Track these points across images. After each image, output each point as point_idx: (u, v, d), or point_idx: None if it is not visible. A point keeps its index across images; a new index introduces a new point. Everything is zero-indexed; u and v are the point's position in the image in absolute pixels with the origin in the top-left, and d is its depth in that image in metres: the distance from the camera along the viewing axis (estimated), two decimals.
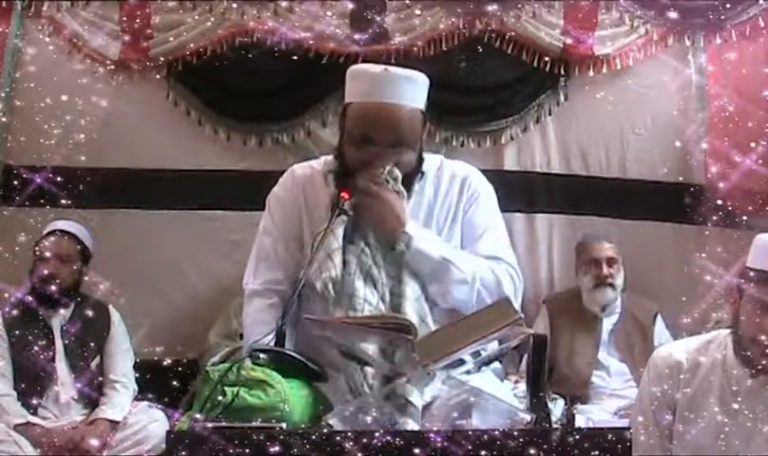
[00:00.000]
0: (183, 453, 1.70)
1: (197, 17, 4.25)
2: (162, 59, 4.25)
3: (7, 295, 3.77)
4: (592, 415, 3.81)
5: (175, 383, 3.34)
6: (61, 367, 3.67)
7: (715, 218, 4.15)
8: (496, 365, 2.36)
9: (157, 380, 3.71)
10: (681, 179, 4.34)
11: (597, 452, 1.70)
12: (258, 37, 4.20)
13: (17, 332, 3.64)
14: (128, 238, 4.23)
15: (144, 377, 3.82)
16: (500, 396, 2.06)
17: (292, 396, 1.92)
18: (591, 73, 4.32)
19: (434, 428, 1.83)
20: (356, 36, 4.20)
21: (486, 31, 4.26)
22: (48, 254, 3.72)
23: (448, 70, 4.18)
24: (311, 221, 2.36)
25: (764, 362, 2.21)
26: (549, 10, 4.27)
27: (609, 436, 1.73)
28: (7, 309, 3.70)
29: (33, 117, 4.12)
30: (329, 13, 4.19)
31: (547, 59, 4.28)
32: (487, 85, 4.37)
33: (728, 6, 4.19)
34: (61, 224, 3.84)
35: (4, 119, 4.16)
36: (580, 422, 3.72)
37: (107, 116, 4.20)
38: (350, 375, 2.10)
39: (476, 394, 1.98)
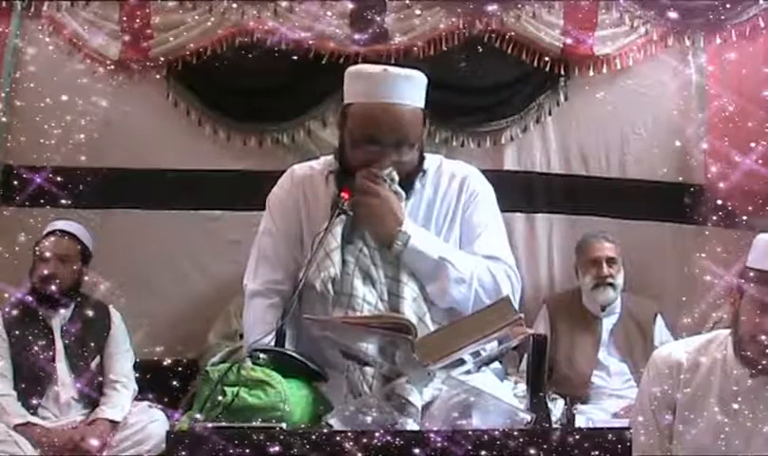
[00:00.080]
0: (183, 453, 1.70)
1: (197, 17, 4.26)
2: (162, 59, 4.25)
3: (7, 295, 3.78)
4: (592, 415, 3.81)
5: (175, 383, 3.34)
6: (61, 367, 3.67)
7: (715, 218, 4.15)
8: (496, 365, 2.36)
9: (157, 380, 3.71)
10: (681, 179, 4.34)
11: (597, 452, 1.70)
12: (258, 37, 4.20)
13: (17, 332, 3.64)
14: (128, 238, 4.24)
15: (144, 377, 3.82)
16: (500, 396, 2.06)
17: (292, 396, 1.92)
18: (591, 73, 4.32)
19: (434, 428, 1.83)
20: (356, 36, 4.20)
21: (486, 31, 4.26)
22: (47, 254, 3.72)
23: (448, 70, 4.18)
24: (311, 221, 2.36)
25: (764, 362, 2.20)
26: (549, 10, 4.27)
27: (609, 436, 1.73)
28: (7, 309, 3.70)
29: (33, 117, 4.12)
30: (329, 13, 4.19)
31: (547, 59, 4.28)
32: (487, 85, 4.37)
33: (728, 6, 4.19)
34: (61, 224, 3.84)
35: (4, 119, 4.16)
36: (580, 422, 3.72)
37: (107, 116, 4.20)
38: (349, 375, 2.11)
39: (476, 394, 1.98)
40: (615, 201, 4.39)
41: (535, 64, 4.29)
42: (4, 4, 4.20)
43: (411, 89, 2.32)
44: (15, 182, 4.14)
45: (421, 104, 2.34)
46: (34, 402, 3.60)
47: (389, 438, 1.71)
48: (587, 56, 4.29)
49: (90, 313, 3.77)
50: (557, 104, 4.39)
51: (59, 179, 4.04)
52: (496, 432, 1.73)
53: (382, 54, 4.16)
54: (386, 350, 2.04)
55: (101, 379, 3.76)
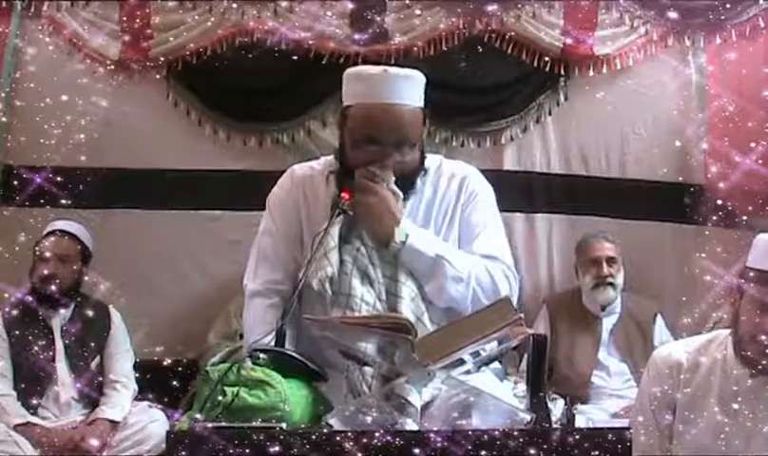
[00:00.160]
0: (183, 453, 1.70)
1: (197, 17, 4.26)
2: (162, 59, 4.25)
3: (7, 295, 3.78)
4: (592, 415, 3.81)
5: (175, 383, 3.33)
6: (61, 367, 3.67)
7: (715, 218, 4.15)
8: (496, 365, 2.36)
9: (157, 380, 3.71)
10: (681, 179, 4.34)
11: (597, 452, 1.70)
12: (258, 37, 4.20)
13: (17, 332, 3.64)
14: (128, 238, 4.24)
15: (144, 377, 3.82)
16: (500, 396, 2.06)
17: (292, 396, 1.92)
18: (591, 73, 4.32)
19: (434, 428, 1.83)
20: (356, 36, 4.20)
21: (486, 31, 4.26)
22: (47, 254, 3.72)
23: (448, 70, 4.18)
24: (311, 222, 2.37)
25: (764, 362, 2.20)
26: (549, 10, 4.27)
27: (609, 436, 1.73)
28: (7, 309, 3.70)
29: (33, 117, 4.12)
30: (329, 13, 4.19)
31: (547, 59, 4.28)
32: (487, 85, 4.37)
33: (728, 6, 4.19)
34: (61, 224, 3.84)
35: (4, 119, 4.16)
36: (580, 422, 3.72)
37: (107, 116, 4.20)
38: (349, 375, 2.11)
39: (476, 394, 1.98)
40: (615, 201, 4.39)
41: (535, 64, 4.29)
42: (4, 4, 4.20)
43: (410, 89, 2.32)
44: (15, 182, 4.14)
45: (420, 103, 2.35)
46: (34, 402, 3.60)
47: (389, 438, 1.71)
48: (587, 56, 4.29)
49: (90, 313, 3.77)
50: (557, 104, 4.39)
51: (59, 179, 4.04)
52: (496, 432, 1.73)
53: (382, 54, 4.16)
54: (385, 350, 2.04)
55: (101, 379, 3.76)
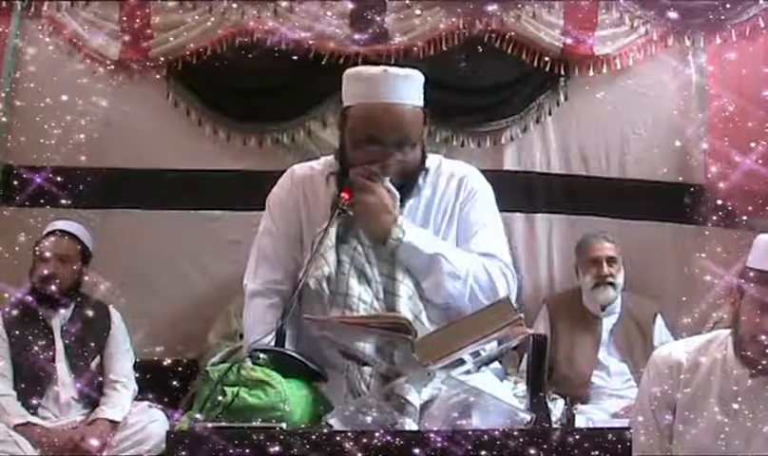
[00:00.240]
0: (183, 453, 1.70)
1: (197, 17, 4.26)
2: (162, 59, 4.25)
3: (7, 295, 3.78)
4: (592, 415, 3.81)
5: (175, 383, 3.34)
6: (61, 367, 3.67)
7: (715, 218, 4.15)
8: (496, 365, 2.36)
9: (157, 380, 3.71)
10: (681, 179, 4.34)
11: (597, 452, 1.70)
12: (258, 37, 4.20)
13: (17, 332, 3.64)
14: (128, 238, 4.24)
15: (144, 377, 3.82)
16: (500, 396, 2.06)
17: (292, 396, 1.92)
18: (591, 73, 4.32)
19: (434, 428, 1.83)
20: (356, 36, 4.20)
21: (486, 31, 4.26)
22: (48, 254, 3.72)
23: (448, 70, 4.18)
24: (310, 222, 2.37)
25: (764, 362, 2.20)
26: (549, 10, 4.27)
27: (609, 436, 1.73)
28: (7, 309, 3.70)
29: (33, 117, 4.12)
30: (329, 13, 4.19)
31: (547, 59, 4.28)
32: (487, 85, 4.37)
33: (728, 6, 4.19)
34: (61, 224, 3.84)
35: (4, 119, 4.16)
36: (580, 422, 3.72)
37: (107, 116, 4.20)
38: (349, 375, 2.11)
39: (476, 394, 1.98)
40: (615, 201, 4.39)
41: (535, 64, 4.29)
42: (4, 4, 4.20)
43: (410, 89, 2.33)
44: (15, 182, 4.14)
45: (420, 103, 2.35)
46: (34, 402, 3.60)
47: (389, 438, 1.71)
48: (587, 56, 4.29)
49: (90, 313, 3.77)
50: (557, 104, 4.39)
51: (59, 179, 4.04)
52: (496, 432, 1.73)
53: (382, 54, 4.16)
54: (384, 349, 2.04)
55: (101, 379, 3.76)
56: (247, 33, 4.22)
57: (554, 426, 2.77)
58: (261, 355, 1.98)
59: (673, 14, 4.23)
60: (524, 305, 4.17)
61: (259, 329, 2.24)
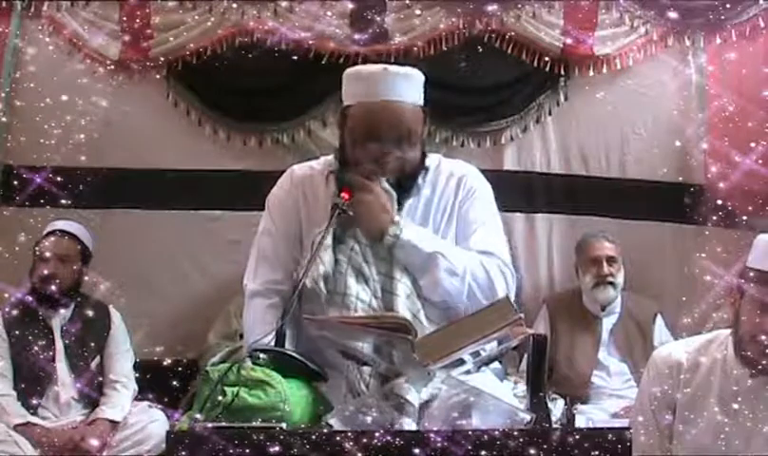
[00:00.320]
0: (183, 453, 1.70)
1: (197, 17, 4.26)
2: (162, 59, 4.25)
3: (7, 295, 3.77)
4: (592, 415, 3.81)
5: (175, 383, 3.33)
6: (61, 367, 3.67)
7: (715, 218, 4.15)
8: (496, 365, 2.36)
9: (157, 380, 3.71)
10: (681, 179, 4.34)
11: (597, 452, 1.70)
12: (258, 37, 4.20)
13: (17, 332, 3.64)
14: (128, 238, 4.24)
15: (144, 377, 3.82)
16: (500, 396, 2.06)
17: (292, 396, 1.92)
18: (591, 73, 4.32)
19: (434, 428, 1.83)
20: (356, 36, 4.20)
21: (486, 31, 4.26)
22: (48, 254, 3.71)
23: (448, 70, 4.18)
24: (310, 221, 2.37)
25: (764, 362, 2.20)
26: (549, 10, 4.27)
27: (609, 436, 1.73)
28: (7, 309, 3.69)
29: (33, 117, 4.12)
30: (329, 13, 4.19)
31: (547, 59, 4.28)
32: (487, 85, 4.37)
33: (728, 6, 4.19)
34: (61, 224, 3.84)
35: (4, 119, 4.16)
36: (580, 422, 3.72)
37: (107, 116, 4.20)
38: (349, 375, 2.11)
39: (476, 394, 1.98)
40: (615, 201, 4.39)
41: (535, 64, 4.29)
42: (4, 4, 4.20)
43: (410, 87, 2.33)
44: (15, 182, 4.14)
45: (420, 101, 2.36)
46: (34, 402, 3.60)
47: (389, 438, 1.71)
48: (587, 56, 4.29)
49: (90, 313, 3.77)
50: (557, 104, 4.39)
51: (59, 179, 4.04)
52: (496, 432, 1.73)
53: (382, 54, 4.16)
54: (383, 349, 2.04)
55: (101, 379, 3.76)
56: (247, 33, 4.22)
57: (554, 426, 2.77)
58: (261, 355, 1.98)
59: (673, 14, 4.23)
60: (524, 305, 4.17)
61: (258, 329, 2.23)
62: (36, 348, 3.63)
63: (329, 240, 2.24)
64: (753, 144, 3.94)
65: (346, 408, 1.98)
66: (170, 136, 4.34)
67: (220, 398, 1.86)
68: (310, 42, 4.20)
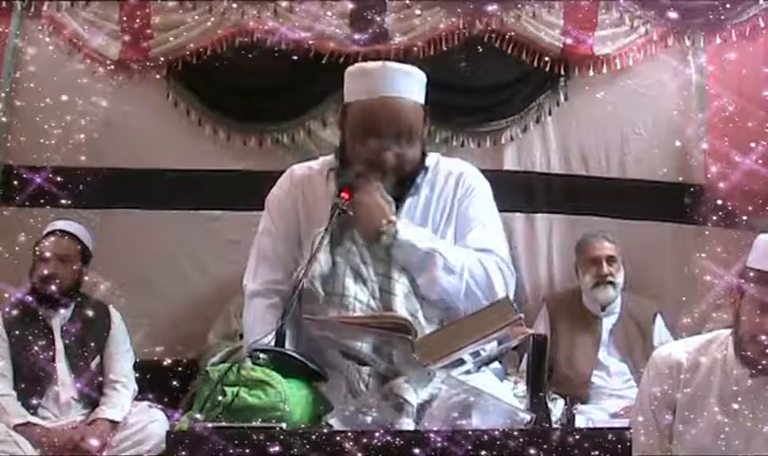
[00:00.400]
0: (183, 453, 1.70)
1: (197, 17, 4.26)
2: (162, 59, 4.25)
3: (7, 295, 3.77)
4: (592, 415, 3.81)
5: (175, 383, 3.33)
6: (61, 367, 3.67)
7: (715, 218, 4.15)
8: (496, 365, 2.36)
9: (157, 380, 3.71)
10: (681, 179, 4.34)
11: (597, 452, 1.70)
12: (258, 37, 4.21)
13: (17, 332, 3.64)
14: (128, 238, 4.24)
15: (144, 377, 3.82)
16: (500, 396, 2.06)
17: (292, 396, 1.92)
18: (591, 73, 4.32)
19: (434, 428, 1.83)
20: (356, 36, 4.20)
21: (486, 31, 4.26)
22: (48, 254, 3.71)
23: (448, 70, 4.18)
24: (309, 221, 2.36)
25: (764, 362, 2.21)
26: (549, 10, 4.27)
27: (609, 436, 1.73)
28: (7, 309, 3.69)
29: (33, 117, 4.13)
30: (329, 13, 4.19)
31: (547, 59, 4.28)
32: (487, 85, 4.37)
33: (728, 6, 4.19)
34: (61, 224, 3.84)
35: (4, 119, 4.16)
36: (580, 422, 3.72)
37: (107, 116, 4.20)
38: (349, 375, 2.11)
39: (476, 394, 1.98)
40: (615, 201, 4.39)
41: (535, 64, 4.29)
42: (4, 4, 4.20)
43: (409, 84, 2.33)
44: (15, 182, 4.14)
45: (421, 99, 2.36)
46: (34, 402, 3.60)
47: (389, 438, 1.71)
48: (587, 56, 4.29)
49: (90, 313, 3.77)
50: (557, 104, 4.39)
51: (59, 179, 4.05)
52: (496, 432, 1.73)
53: (382, 54, 4.15)
54: (383, 349, 2.04)
55: (101, 379, 3.76)
56: (247, 33, 4.22)
57: (554, 426, 2.77)
58: (261, 355, 1.98)
59: (673, 14, 4.23)
60: (525, 303, 4.18)
61: (258, 329, 2.23)
62: (36, 348, 3.63)
63: (326, 240, 2.23)
64: (753, 144, 3.94)
65: (346, 408, 1.98)
66: (170, 136, 4.34)
67: (220, 398, 1.85)
68: (310, 42, 4.20)
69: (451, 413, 1.98)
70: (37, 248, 3.76)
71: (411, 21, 4.24)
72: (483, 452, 1.69)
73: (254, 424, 1.81)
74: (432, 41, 4.24)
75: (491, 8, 4.21)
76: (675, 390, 2.31)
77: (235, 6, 4.21)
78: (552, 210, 4.43)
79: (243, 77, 4.30)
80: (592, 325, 4.09)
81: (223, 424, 1.79)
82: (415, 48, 4.21)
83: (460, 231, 2.37)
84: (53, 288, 3.66)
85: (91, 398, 3.71)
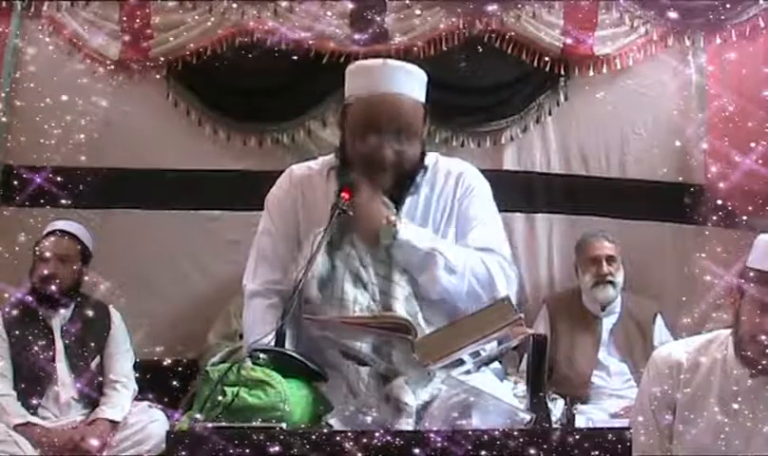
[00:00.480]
0: (183, 453, 1.70)
1: (197, 17, 4.26)
2: (162, 59, 4.25)
3: (7, 295, 3.77)
4: (592, 415, 3.81)
5: (175, 383, 3.33)
6: (61, 367, 3.67)
7: (715, 218, 4.15)
8: (496, 365, 2.36)
9: (157, 380, 3.71)
10: (681, 179, 4.34)
11: (597, 452, 1.70)
12: (258, 37, 4.20)
13: (17, 332, 3.63)
14: (128, 238, 4.24)
15: (144, 377, 3.82)
16: (500, 396, 2.06)
17: (292, 396, 1.92)
18: (591, 73, 4.32)
19: (434, 428, 1.83)
20: (356, 36, 4.20)
21: (486, 31, 4.26)
22: (48, 254, 3.71)
23: (448, 70, 4.18)
24: (308, 221, 2.36)
25: (764, 362, 2.21)
26: (549, 10, 4.27)
27: (609, 436, 1.73)
28: (7, 309, 3.69)
29: (33, 117, 4.13)
30: (329, 13, 4.19)
31: (547, 59, 4.28)
32: (487, 85, 4.37)
33: (728, 6, 4.19)
34: (61, 224, 3.84)
35: (4, 119, 4.16)
36: (580, 422, 3.72)
37: (107, 116, 4.20)
38: (349, 375, 2.11)
39: (476, 394, 1.98)
40: (615, 201, 4.39)
41: (535, 64, 4.29)
42: (4, 4, 4.20)
43: (409, 81, 2.33)
44: (15, 182, 4.14)
45: (421, 98, 2.35)
46: (34, 402, 3.60)
47: (389, 438, 1.71)
48: (587, 56, 4.29)
49: (90, 313, 3.76)
50: (557, 104, 4.39)
51: (59, 179, 4.04)
52: (496, 432, 1.73)
53: (382, 54, 4.13)
54: (382, 349, 2.04)
55: (101, 379, 3.76)
56: (247, 33, 4.22)
57: (554, 426, 2.77)
58: (261, 355, 1.98)
59: (673, 14, 4.23)
60: (525, 303, 4.17)
61: (258, 329, 2.23)
62: (36, 348, 3.62)
63: (326, 241, 2.23)
64: (753, 144, 3.94)
65: (346, 408, 1.98)
66: (170, 136, 4.34)
67: (220, 398, 1.86)
68: (310, 42, 4.20)
69: (451, 413, 1.98)
70: (37, 248, 3.76)
71: (411, 21, 4.24)
72: (483, 452, 1.69)
73: (254, 424, 1.81)
74: (432, 41, 4.24)
75: (491, 8, 4.21)
76: (675, 390, 2.31)
77: (235, 6, 4.21)
78: (552, 210, 4.43)
79: (243, 77, 4.30)
80: (592, 325, 4.09)
81: (223, 424, 1.80)
82: (415, 48, 4.21)
83: (461, 230, 2.37)
84: (53, 288, 3.66)
85: (91, 398, 3.71)
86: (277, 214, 2.43)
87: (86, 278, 3.86)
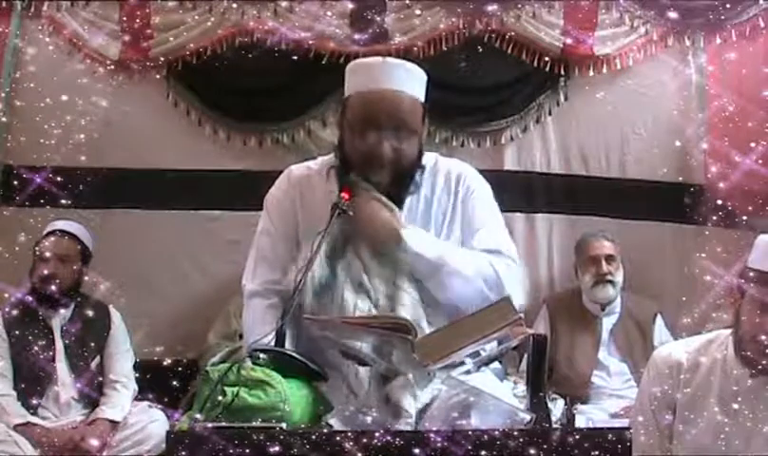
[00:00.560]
0: (183, 453, 1.70)
1: (197, 17, 4.26)
2: (162, 59, 4.25)
3: (7, 295, 3.77)
4: (592, 415, 3.81)
5: (175, 383, 3.34)
6: (61, 367, 3.67)
7: (715, 218, 4.15)
8: (496, 365, 2.35)
9: (157, 380, 3.71)
10: (681, 179, 4.34)
11: (597, 452, 1.70)
12: (258, 37, 4.21)
13: (17, 332, 3.64)
14: (128, 238, 4.24)
15: (144, 377, 3.82)
16: (500, 396, 2.06)
17: (292, 396, 1.92)
18: (591, 73, 4.32)
19: (434, 428, 1.83)
20: (356, 36, 4.20)
21: (486, 31, 4.26)
22: (48, 254, 3.71)
23: (448, 70, 4.18)
24: (308, 221, 2.35)
25: (764, 362, 2.21)
26: (549, 10, 4.27)
27: (609, 436, 1.73)
28: (7, 309, 3.69)
29: (33, 117, 4.13)
30: (329, 13, 4.19)
31: (547, 59, 4.28)
32: (487, 85, 4.37)
33: (728, 6, 4.20)
34: (61, 224, 3.84)
35: (4, 119, 4.16)
36: (580, 422, 3.72)
37: (107, 116, 4.20)
38: (345, 375, 2.11)
39: (476, 394, 1.98)
40: (615, 201, 4.39)
41: (535, 64, 4.29)
42: (4, 4, 4.20)
43: (409, 79, 2.33)
44: (15, 182, 4.14)
45: (420, 96, 2.34)
46: (34, 402, 3.60)
47: (389, 438, 1.71)
48: (587, 56, 4.29)
49: (90, 313, 3.77)
50: (557, 104, 4.39)
51: (59, 179, 4.05)
52: (496, 432, 1.73)
53: (382, 54, 4.12)
54: (382, 349, 2.04)
55: (101, 379, 3.76)
56: (247, 33, 4.22)
57: (554, 426, 2.77)
58: (261, 355, 1.97)
59: (673, 14, 4.24)
60: (524, 304, 4.16)
61: (258, 329, 2.22)
62: (36, 348, 3.63)
63: (325, 241, 2.23)
64: (753, 144, 3.94)
65: (346, 408, 1.98)
66: (170, 136, 4.34)
67: (220, 398, 1.85)
68: (310, 42, 4.21)
69: (451, 413, 1.98)
70: (37, 248, 3.76)
71: (411, 21, 4.25)
72: (483, 452, 1.69)
73: (254, 424, 1.81)
74: (432, 41, 4.24)
75: (491, 8, 4.21)
76: (675, 390, 2.31)
77: (235, 6, 4.21)
78: (552, 210, 4.43)
79: (243, 77, 4.30)
80: (592, 325, 4.09)
81: (223, 424, 1.79)
82: (415, 48, 4.21)
83: (465, 234, 2.36)
84: (53, 288, 3.66)
85: (91, 398, 3.71)
86: (276, 214, 2.43)
87: (86, 278, 3.86)
